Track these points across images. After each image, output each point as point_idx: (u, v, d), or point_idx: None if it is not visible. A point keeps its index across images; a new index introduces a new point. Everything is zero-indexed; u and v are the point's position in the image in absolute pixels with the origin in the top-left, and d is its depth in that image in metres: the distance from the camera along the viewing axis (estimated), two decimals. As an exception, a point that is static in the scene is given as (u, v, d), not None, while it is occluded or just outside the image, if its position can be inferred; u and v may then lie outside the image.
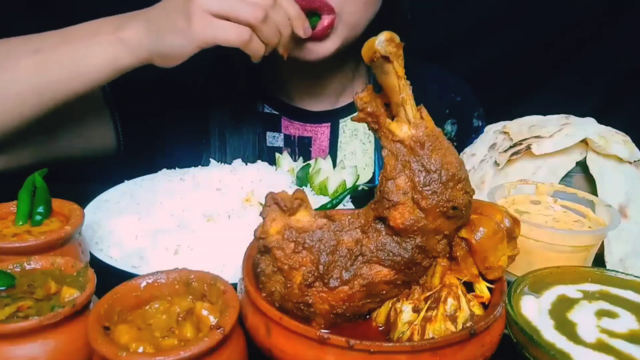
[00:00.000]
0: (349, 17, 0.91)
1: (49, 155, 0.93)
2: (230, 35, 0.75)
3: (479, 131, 1.13)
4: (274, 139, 1.09)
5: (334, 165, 0.92)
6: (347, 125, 1.10)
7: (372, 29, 0.97)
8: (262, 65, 1.05)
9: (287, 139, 1.09)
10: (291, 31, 0.82)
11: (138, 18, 0.79)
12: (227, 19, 0.75)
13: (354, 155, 1.10)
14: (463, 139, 1.13)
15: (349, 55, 1.04)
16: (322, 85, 1.08)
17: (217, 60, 1.04)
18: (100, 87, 0.86)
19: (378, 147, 1.08)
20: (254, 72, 1.04)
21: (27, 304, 0.47)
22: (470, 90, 1.23)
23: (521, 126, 0.85)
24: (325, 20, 0.88)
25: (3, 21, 1.26)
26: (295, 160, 0.96)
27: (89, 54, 0.79)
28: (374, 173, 1.09)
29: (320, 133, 1.09)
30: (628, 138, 0.80)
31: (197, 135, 1.04)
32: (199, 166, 0.90)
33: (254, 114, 1.06)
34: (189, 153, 1.02)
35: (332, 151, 1.09)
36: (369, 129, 0.51)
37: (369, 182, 1.08)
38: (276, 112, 1.08)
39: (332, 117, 1.09)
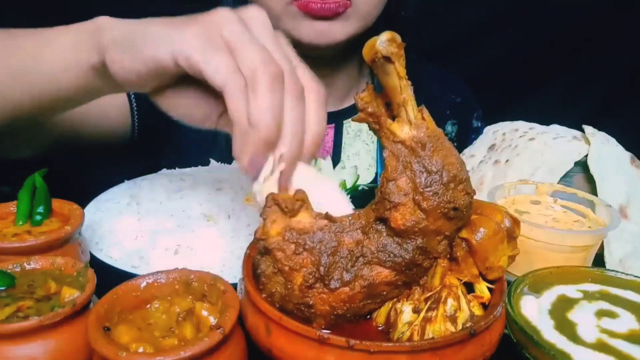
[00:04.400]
0: (362, 7, 0.91)
1: (64, 133, 0.89)
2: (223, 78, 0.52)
3: (477, 132, 1.14)
4: None
5: (334, 165, 0.92)
6: (350, 125, 1.11)
7: (376, 29, 0.98)
8: None
9: None
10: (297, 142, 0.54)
11: (126, 21, 0.61)
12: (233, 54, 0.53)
13: (358, 155, 1.11)
14: (463, 140, 1.14)
15: (354, 55, 1.05)
16: (326, 86, 1.08)
17: None
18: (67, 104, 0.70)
19: (381, 147, 1.09)
20: None
21: (27, 304, 0.47)
22: (469, 92, 1.25)
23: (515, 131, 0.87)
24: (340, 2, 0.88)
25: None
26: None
27: (53, 38, 0.64)
28: (376, 173, 1.10)
29: (325, 134, 1.09)
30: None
31: (204, 133, 1.04)
32: (199, 166, 0.90)
33: None
34: (197, 149, 1.01)
35: (336, 152, 1.10)
36: (370, 130, 0.51)
37: (371, 182, 1.09)
38: None
39: (336, 118, 1.10)
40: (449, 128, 1.19)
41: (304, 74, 0.56)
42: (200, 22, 0.54)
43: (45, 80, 0.66)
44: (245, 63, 0.51)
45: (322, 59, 1.03)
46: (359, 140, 1.11)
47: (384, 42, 0.45)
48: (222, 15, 0.54)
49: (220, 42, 0.52)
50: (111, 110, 0.98)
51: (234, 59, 0.52)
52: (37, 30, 0.70)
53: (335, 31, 0.92)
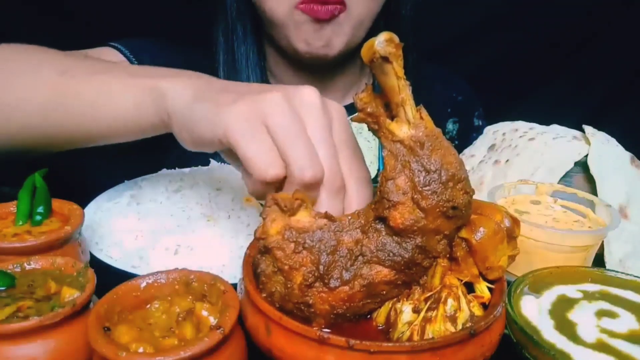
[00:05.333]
0: (357, 11, 0.91)
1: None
2: (255, 155, 0.51)
3: (479, 130, 1.14)
4: None
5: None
6: (351, 123, 1.11)
7: (376, 30, 0.98)
8: (265, 62, 1.05)
9: None
10: None
11: (191, 76, 0.64)
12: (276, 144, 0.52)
13: None
14: (464, 138, 1.14)
15: (355, 53, 1.05)
16: (327, 85, 1.08)
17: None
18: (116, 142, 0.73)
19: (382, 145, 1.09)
20: (259, 70, 1.04)
21: (27, 304, 0.47)
22: (470, 90, 1.25)
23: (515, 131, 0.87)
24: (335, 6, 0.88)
25: (7, 20, 1.26)
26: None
27: (115, 92, 0.66)
28: (378, 170, 1.10)
29: None
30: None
31: None
32: (199, 166, 0.90)
33: None
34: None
35: None
36: (369, 129, 0.51)
37: (373, 179, 1.08)
38: None
39: None
40: (450, 126, 1.19)
41: (349, 157, 0.56)
42: (249, 102, 0.53)
43: (102, 128, 0.70)
44: (287, 162, 0.52)
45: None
46: (360, 137, 1.11)
47: (382, 43, 0.45)
48: (273, 100, 0.53)
49: (260, 128, 0.52)
50: None
51: (268, 142, 0.52)
52: (93, 75, 0.70)
53: (333, 39, 0.92)
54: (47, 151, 0.77)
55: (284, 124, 0.52)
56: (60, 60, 0.74)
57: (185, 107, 0.59)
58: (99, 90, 0.68)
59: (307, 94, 0.55)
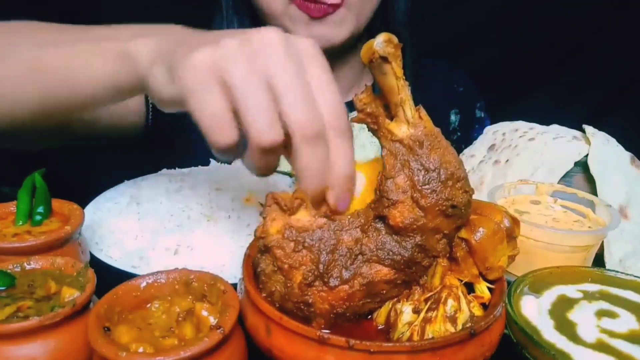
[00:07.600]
0: (357, 5, 0.93)
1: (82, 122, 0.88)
2: (205, 116, 0.47)
3: (481, 122, 1.14)
4: None
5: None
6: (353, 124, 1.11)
7: (376, 30, 0.99)
8: None
9: None
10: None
11: (157, 32, 0.61)
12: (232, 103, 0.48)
13: (363, 148, 1.11)
14: (467, 129, 1.14)
15: (357, 49, 1.05)
16: None
17: None
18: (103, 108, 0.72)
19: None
20: None
21: (27, 304, 0.47)
22: (471, 82, 1.25)
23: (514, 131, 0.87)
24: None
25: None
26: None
27: (90, 62, 0.65)
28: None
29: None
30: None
31: None
32: (199, 166, 0.90)
33: None
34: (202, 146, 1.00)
35: None
36: (368, 130, 0.51)
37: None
38: None
39: None
40: (452, 118, 1.19)
41: (325, 100, 0.50)
42: (207, 52, 0.48)
43: (80, 94, 0.67)
44: (288, 115, 0.47)
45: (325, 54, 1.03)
46: (363, 132, 1.11)
47: (381, 43, 0.45)
48: (230, 49, 0.48)
49: (214, 84, 0.47)
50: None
51: (220, 102, 0.47)
52: (68, 45, 0.68)
53: (331, 35, 0.93)
54: (33, 129, 0.75)
55: (239, 80, 0.47)
56: (36, 33, 0.73)
57: (149, 69, 0.56)
58: (74, 62, 0.66)
59: (267, 34, 0.49)
